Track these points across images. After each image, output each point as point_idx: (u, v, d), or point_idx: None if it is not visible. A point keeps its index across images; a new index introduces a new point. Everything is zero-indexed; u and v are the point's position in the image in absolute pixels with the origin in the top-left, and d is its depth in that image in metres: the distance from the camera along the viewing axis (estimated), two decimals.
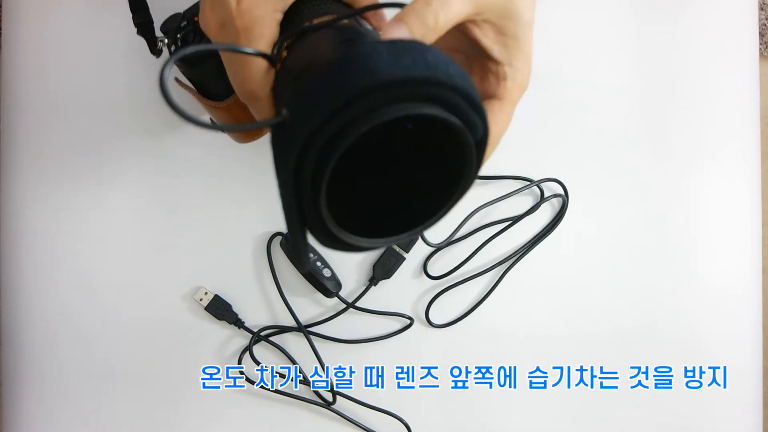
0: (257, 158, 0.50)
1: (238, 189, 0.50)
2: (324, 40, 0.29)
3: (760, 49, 1.06)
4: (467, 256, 0.51)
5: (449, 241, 0.51)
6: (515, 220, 0.51)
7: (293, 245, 0.27)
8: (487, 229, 0.51)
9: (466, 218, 0.50)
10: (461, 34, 0.31)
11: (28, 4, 0.50)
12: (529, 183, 0.51)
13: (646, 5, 0.52)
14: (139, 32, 0.41)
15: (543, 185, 0.51)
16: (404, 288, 0.51)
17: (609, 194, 0.52)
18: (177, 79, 0.42)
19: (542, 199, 0.51)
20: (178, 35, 0.40)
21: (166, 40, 0.41)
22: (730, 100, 0.52)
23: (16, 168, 0.50)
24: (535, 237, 0.51)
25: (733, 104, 0.53)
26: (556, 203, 0.52)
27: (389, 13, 0.33)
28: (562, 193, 0.51)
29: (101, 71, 0.50)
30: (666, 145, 0.52)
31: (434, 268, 0.51)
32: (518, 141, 0.51)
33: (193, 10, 0.40)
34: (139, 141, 0.50)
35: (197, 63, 0.40)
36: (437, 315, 0.51)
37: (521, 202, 0.51)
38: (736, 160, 0.53)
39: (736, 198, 0.53)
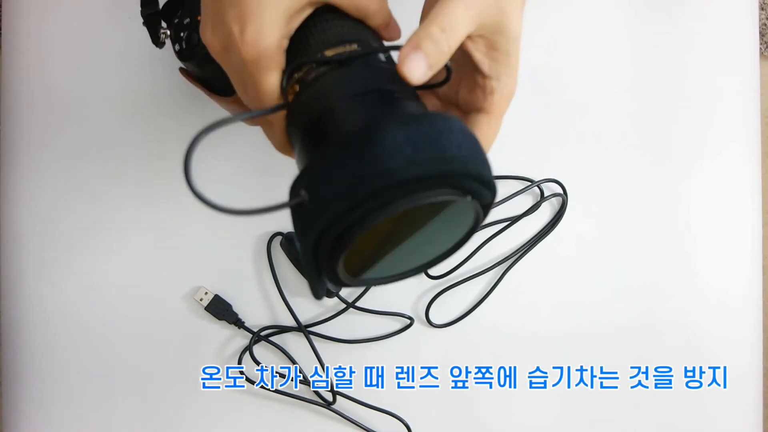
0: (257, 158, 0.50)
1: (238, 189, 0.50)
2: (341, 83, 0.29)
3: (760, 49, 1.06)
4: (467, 255, 0.51)
5: None
6: (515, 220, 0.51)
7: (311, 288, 0.29)
8: (486, 229, 0.51)
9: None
10: None
11: (28, 4, 0.50)
12: (529, 183, 0.51)
13: (646, 5, 0.52)
14: (145, 23, 0.41)
15: (543, 185, 0.51)
16: (404, 288, 0.51)
17: (609, 194, 0.52)
18: (182, 70, 0.42)
19: (542, 198, 0.51)
20: (182, 34, 0.39)
21: (169, 32, 0.40)
22: (730, 100, 0.52)
23: (16, 168, 0.50)
24: (534, 237, 0.51)
25: (733, 104, 0.53)
26: (555, 203, 0.52)
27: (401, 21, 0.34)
28: (562, 192, 0.51)
29: (101, 71, 0.50)
30: (666, 145, 0.52)
31: (434, 268, 0.51)
32: (518, 141, 0.51)
33: (195, 6, 0.39)
34: (140, 141, 0.50)
35: (204, 64, 0.39)
36: (437, 315, 0.51)
37: (521, 202, 0.51)
38: (736, 160, 0.53)
39: (736, 198, 0.53)
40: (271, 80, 0.31)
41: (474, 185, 0.25)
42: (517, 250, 0.51)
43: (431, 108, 0.36)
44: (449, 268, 0.51)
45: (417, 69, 0.28)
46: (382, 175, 0.23)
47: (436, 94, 0.36)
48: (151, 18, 0.40)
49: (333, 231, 0.25)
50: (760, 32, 1.28)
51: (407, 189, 0.24)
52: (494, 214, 0.51)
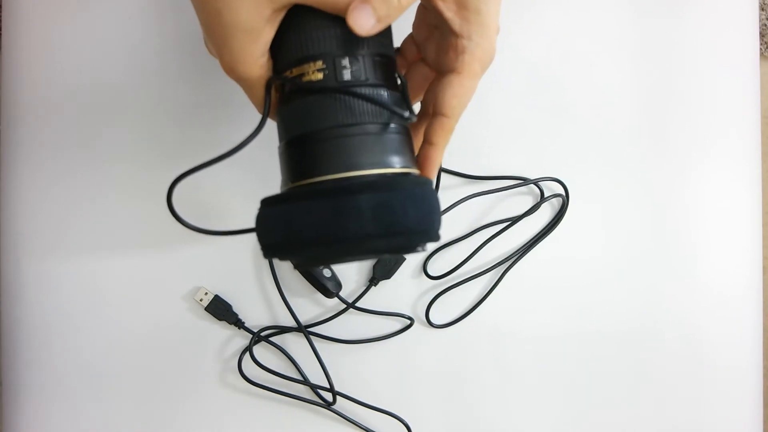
0: (258, 158, 0.50)
1: (238, 189, 0.50)
2: (323, 104, 0.32)
3: (760, 49, 1.06)
4: (467, 256, 0.51)
5: (449, 242, 0.51)
6: (515, 220, 0.51)
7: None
8: (486, 229, 0.51)
9: (471, 233, 0.50)
10: (426, 4, 0.33)
11: (28, 4, 0.50)
12: (527, 182, 0.51)
13: (646, 6, 0.52)
14: None
15: (543, 185, 0.51)
16: (404, 288, 0.51)
17: (609, 194, 0.52)
18: None
19: (542, 199, 0.51)
20: None
21: None
22: (730, 100, 0.52)
23: (16, 168, 0.50)
24: (534, 237, 0.51)
25: (733, 104, 0.53)
26: (555, 203, 0.52)
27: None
28: (563, 192, 0.51)
29: (102, 71, 0.50)
30: (666, 146, 0.52)
31: (434, 268, 0.51)
32: (517, 140, 0.51)
33: None
34: (140, 141, 0.50)
35: None
36: (437, 315, 0.51)
37: (521, 202, 0.51)
38: (736, 161, 0.53)
39: (736, 198, 0.53)
40: (256, 95, 0.33)
41: (422, 243, 0.31)
42: (517, 251, 0.51)
43: (418, 74, 0.37)
44: (449, 269, 0.51)
45: (364, 22, 0.30)
46: (354, 245, 0.29)
47: (423, 59, 0.37)
48: None
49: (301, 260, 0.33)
50: (760, 32, 1.28)
51: (373, 248, 0.30)
52: (494, 214, 0.51)
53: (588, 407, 0.52)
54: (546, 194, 0.51)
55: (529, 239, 0.51)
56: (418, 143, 0.35)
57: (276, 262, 0.50)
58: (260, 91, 0.33)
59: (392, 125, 0.32)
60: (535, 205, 0.51)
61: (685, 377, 0.52)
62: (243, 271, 0.50)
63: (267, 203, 0.32)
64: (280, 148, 0.34)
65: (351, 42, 0.32)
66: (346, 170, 0.31)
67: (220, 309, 0.50)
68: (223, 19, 0.29)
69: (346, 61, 0.32)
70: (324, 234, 0.29)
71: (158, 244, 0.50)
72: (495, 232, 0.51)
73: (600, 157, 0.52)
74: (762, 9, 1.32)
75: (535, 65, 0.51)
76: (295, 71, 0.32)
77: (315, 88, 0.32)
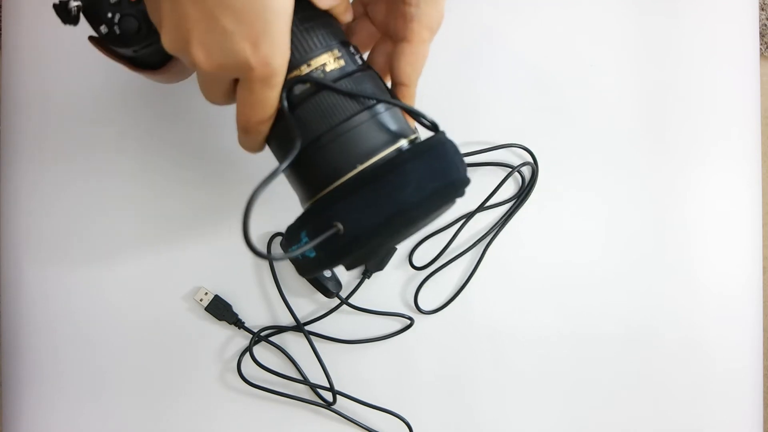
0: (258, 158, 0.50)
1: (238, 189, 0.50)
2: (335, 104, 0.31)
3: (761, 49, 1.06)
4: (447, 241, 0.51)
5: (436, 231, 0.51)
6: (488, 197, 0.51)
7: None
8: (463, 213, 0.51)
9: (459, 225, 0.50)
10: None
11: (28, 4, 0.50)
12: (505, 167, 0.51)
13: (646, 5, 0.52)
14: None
15: (514, 152, 0.51)
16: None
17: (608, 194, 0.52)
18: (95, 41, 0.36)
19: (513, 171, 0.51)
20: (110, 15, 0.35)
21: (80, 4, 0.35)
22: (730, 100, 0.52)
23: (16, 168, 0.50)
24: (510, 205, 0.51)
25: (733, 104, 0.53)
26: (526, 173, 0.52)
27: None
28: (531, 161, 0.51)
29: (102, 71, 0.50)
30: (666, 146, 0.52)
31: (416, 259, 0.51)
32: (517, 140, 0.51)
33: None
34: (140, 141, 0.50)
35: (141, 50, 0.36)
36: (430, 304, 0.51)
37: (505, 190, 0.52)
38: (736, 161, 0.53)
39: (736, 198, 0.53)
40: (274, 95, 0.30)
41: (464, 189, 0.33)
42: (493, 226, 0.51)
43: (363, 30, 0.37)
44: (431, 258, 0.51)
45: None
46: (406, 211, 0.29)
47: (374, 24, 0.37)
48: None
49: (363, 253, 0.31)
50: (760, 32, 1.28)
51: (424, 217, 0.30)
52: (474, 199, 0.51)
53: (588, 407, 0.52)
54: (527, 176, 0.51)
55: (505, 212, 0.51)
56: None
57: (275, 262, 0.50)
58: (278, 90, 0.30)
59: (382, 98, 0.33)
60: (505, 178, 0.51)
61: (685, 377, 0.52)
62: (243, 271, 0.50)
63: (297, 225, 0.31)
64: (288, 169, 0.32)
65: (340, 31, 0.33)
66: (373, 155, 0.31)
67: (220, 309, 0.50)
68: (265, 3, 0.27)
69: (352, 48, 0.33)
70: (386, 216, 0.29)
71: (158, 245, 0.50)
72: (470, 211, 0.51)
73: (599, 157, 0.52)
74: (762, 9, 1.32)
75: (535, 65, 0.51)
76: (314, 63, 0.31)
77: (347, 72, 0.32)
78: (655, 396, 0.52)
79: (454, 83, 0.51)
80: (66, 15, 0.34)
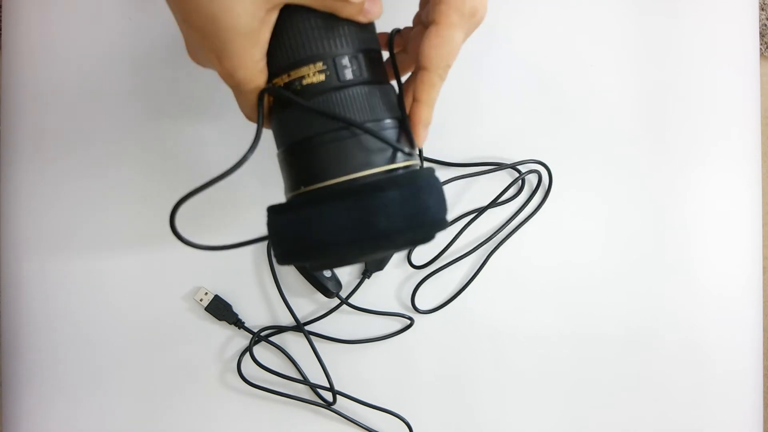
0: (258, 159, 0.49)
1: (238, 189, 0.50)
2: (325, 107, 0.31)
3: (761, 49, 1.06)
4: (448, 242, 0.51)
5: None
6: (492, 203, 0.51)
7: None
8: (472, 216, 0.51)
9: (464, 223, 0.50)
10: None
11: (28, 4, 0.50)
12: (503, 166, 0.51)
13: (646, 5, 0.52)
14: None
15: (522, 168, 0.51)
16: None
17: (608, 194, 0.52)
18: None
19: (518, 177, 0.51)
20: None
21: None
22: (730, 100, 0.52)
23: (16, 168, 0.50)
24: (515, 213, 0.51)
25: (733, 104, 0.53)
26: (533, 181, 0.52)
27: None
28: (541, 169, 0.51)
29: (102, 71, 0.50)
30: (666, 146, 0.52)
31: (416, 258, 0.51)
32: (517, 141, 0.51)
33: None
34: (140, 141, 0.50)
35: None
36: (430, 304, 0.51)
37: (509, 191, 0.52)
38: (736, 161, 0.53)
39: (736, 198, 0.53)
40: (250, 99, 0.33)
41: (438, 232, 0.32)
42: (498, 230, 0.51)
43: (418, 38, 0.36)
44: (432, 257, 0.51)
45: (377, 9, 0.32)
46: (375, 244, 0.30)
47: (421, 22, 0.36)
48: None
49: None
50: (760, 32, 1.28)
51: (392, 246, 0.31)
52: (476, 201, 0.51)
53: (588, 407, 0.52)
54: (534, 183, 0.51)
55: (509, 216, 0.51)
56: (409, 101, 0.35)
57: (276, 261, 0.50)
58: (254, 95, 0.33)
59: (387, 120, 0.32)
60: (511, 183, 0.51)
61: (686, 377, 0.52)
62: (243, 271, 0.50)
63: (277, 211, 0.32)
64: (280, 154, 0.34)
65: (347, 40, 0.32)
66: (360, 169, 0.31)
67: (220, 309, 0.50)
68: (220, 23, 0.29)
69: (346, 61, 0.32)
70: (353, 234, 0.29)
71: (158, 245, 0.50)
72: (474, 215, 0.51)
73: (599, 158, 0.52)
74: (762, 9, 1.32)
75: (535, 66, 0.51)
76: (293, 74, 0.32)
77: (318, 90, 0.31)
78: (655, 396, 0.52)
79: (454, 83, 0.51)
80: None
